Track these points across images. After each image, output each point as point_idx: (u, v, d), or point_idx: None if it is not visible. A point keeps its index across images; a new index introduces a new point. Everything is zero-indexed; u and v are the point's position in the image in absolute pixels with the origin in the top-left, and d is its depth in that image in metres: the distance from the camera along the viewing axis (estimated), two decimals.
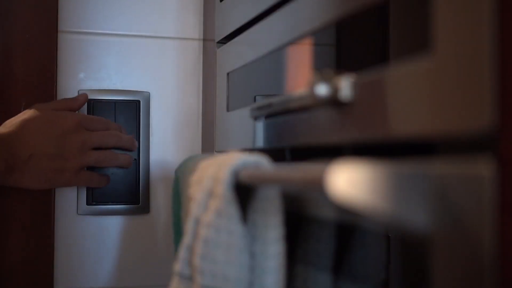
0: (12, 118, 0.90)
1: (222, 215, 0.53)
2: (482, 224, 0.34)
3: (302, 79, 0.66)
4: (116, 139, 0.94)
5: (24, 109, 0.96)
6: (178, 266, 0.57)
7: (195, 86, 1.07)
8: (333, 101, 0.48)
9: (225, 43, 0.91)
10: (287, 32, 0.65)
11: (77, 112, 0.97)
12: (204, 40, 1.06)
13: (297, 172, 0.42)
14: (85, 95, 0.97)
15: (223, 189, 0.53)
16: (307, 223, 0.61)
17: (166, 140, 1.06)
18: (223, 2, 0.91)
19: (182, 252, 0.57)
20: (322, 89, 0.47)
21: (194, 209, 0.57)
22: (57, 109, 0.92)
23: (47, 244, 0.98)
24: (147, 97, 1.04)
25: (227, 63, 0.89)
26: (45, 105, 0.92)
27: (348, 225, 0.60)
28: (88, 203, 1.01)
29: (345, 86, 0.48)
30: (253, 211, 0.54)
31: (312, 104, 0.49)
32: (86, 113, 1.01)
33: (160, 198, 1.05)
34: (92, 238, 1.02)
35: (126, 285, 1.04)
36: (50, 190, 0.98)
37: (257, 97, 0.78)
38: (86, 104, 1.01)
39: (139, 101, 1.04)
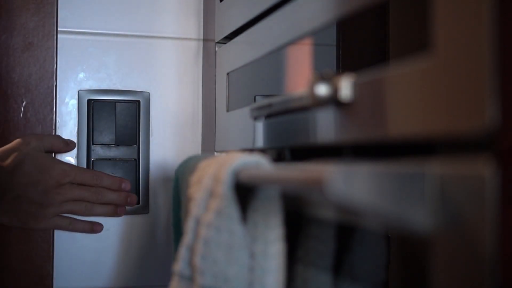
0: (5, 148, 0.91)
1: (222, 215, 0.53)
2: (482, 224, 0.34)
3: (302, 79, 0.66)
4: (98, 197, 0.96)
5: (24, 109, 0.96)
6: (178, 266, 0.57)
7: (195, 86, 1.07)
8: (333, 101, 0.48)
9: (225, 43, 0.91)
10: (287, 32, 0.65)
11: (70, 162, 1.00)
12: (204, 40, 1.06)
13: (297, 172, 0.42)
14: (75, 144, 1.00)
15: (224, 189, 0.53)
16: (307, 223, 0.61)
17: (166, 140, 1.06)
18: (223, 2, 0.91)
19: (182, 252, 0.57)
20: (322, 89, 0.47)
21: (194, 209, 0.57)
22: (51, 149, 0.96)
23: (47, 244, 0.98)
24: (147, 97, 1.04)
25: (227, 63, 0.89)
26: (39, 142, 0.94)
27: (348, 225, 0.60)
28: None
29: (345, 86, 0.48)
30: (253, 211, 0.54)
31: (312, 104, 0.49)
32: (86, 113, 1.01)
33: (160, 198, 1.05)
34: (92, 238, 1.02)
35: (126, 285, 1.04)
36: None
37: (257, 97, 0.78)
38: (86, 104, 1.01)
39: (139, 101, 1.04)
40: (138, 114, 1.03)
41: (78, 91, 1.02)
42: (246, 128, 0.76)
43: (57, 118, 1.00)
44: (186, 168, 0.73)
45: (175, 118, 1.06)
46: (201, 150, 1.06)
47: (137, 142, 1.03)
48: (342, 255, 0.60)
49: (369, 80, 0.46)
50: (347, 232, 0.60)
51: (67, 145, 0.98)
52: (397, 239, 0.62)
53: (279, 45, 0.68)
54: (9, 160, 0.90)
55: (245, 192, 0.55)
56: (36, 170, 0.91)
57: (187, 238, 0.57)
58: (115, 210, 0.98)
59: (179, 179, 0.75)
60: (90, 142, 1.01)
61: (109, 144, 1.01)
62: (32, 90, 0.97)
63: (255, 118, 0.70)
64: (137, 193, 1.03)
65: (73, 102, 1.02)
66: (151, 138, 1.05)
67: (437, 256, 0.38)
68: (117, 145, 1.02)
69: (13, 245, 0.96)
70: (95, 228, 1.00)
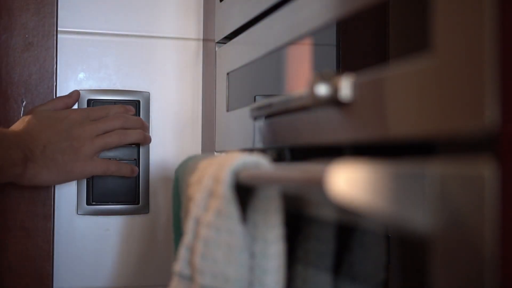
0: (18, 122, 0.92)
1: (222, 215, 0.53)
2: (482, 224, 0.34)
3: (302, 79, 0.66)
4: (121, 121, 0.96)
5: (24, 109, 0.96)
6: (178, 266, 0.57)
7: (195, 86, 1.07)
8: (333, 101, 0.48)
9: (225, 43, 0.91)
10: (287, 32, 0.65)
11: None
12: (204, 40, 1.06)
13: (297, 172, 0.42)
14: (77, 91, 1.00)
15: (224, 189, 0.53)
16: (307, 223, 0.61)
17: (166, 140, 1.06)
18: (223, 2, 0.91)
19: (182, 252, 0.57)
20: (322, 89, 0.47)
21: (194, 209, 0.57)
22: (56, 109, 0.95)
23: (47, 244, 0.98)
24: (147, 97, 1.04)
25: (227, 63, 0.89)
26: (44, 106, 0.94)
27: (348, 225, 0.60)
28: (88, 203, 1.01)
29: (345, 86, 0.48)
30: (253, 211, 0.54)
31: (312, 104, 0.49)
32: None
33: (159, 198, 1.05)
34: (92, 238, 1.02)
35: (126, 285, 1.04)
36: (50, 189, 0.98)
37: (257, 97, 0.78)
38: (86, 104, 1.01)
39: (139, 101, 1.04)
40: (138, 114, 1.03)
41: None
42: (246, 128, 0.76)
43: None
44: (186, 168, 0.73)
45: (175, 118, 1.06)
46: (201, 150, 1.06)
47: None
48: (342, 255, 0.60)
49: (369, 80, 0.46)
50: (347, 232, 0.60)
51: (70, 97, 0.98)
52: (397, 239, 0.62)
53: (279, 45, 0.68)
54: (22, 125, 0.90)
55: (245, 192, 0.55)
56: (50, 120, 0.91)
57: (187, 238, 0.57)
58: (145, 135, 0.99)
59: (179, 179, 0.75)
60: None
61: None
62: (32, 90, 0.97)
63: (255, 118, 0.70)
64: (137, 193, 1.03)
65: None
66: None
67: (437, 256, 0.38)
68: None
69: (13, 245, 0.96)
70: (134, 169, 1.00)
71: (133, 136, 0.97)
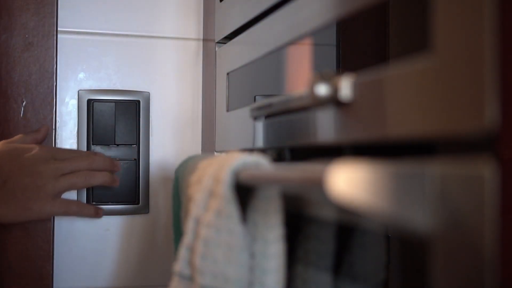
0: None
1: (222, 215, 0.53)
2: (482, 224, 0.34)
3: (302, 79, 0.66)
4: (88, 162, 0.93)
5: (24, 109, 0.96)
6: (178, 266, 0.57)
7: (195, 86, 1.07)
8: (333, 101, 0.48)
9: (225, 43, 0.91)
10: (287, 32, 0.65)
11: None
12: (204, 40, 1.06)
13: (297, 172, 0.42)
14: (47, 127, 0.97)
15: (224, 189, 0.53)
16: (307, 223, 0.61)
17: (166, 140, 1.06)
18: (223, 2, 0.91)
19: (182, 252, 0.57)
20: (322, 89, 0.47)
21: (194, 209, 0.57)
22: (24, 143, 0.93)
23: (47, 244, 0.98)
24: (147, 97, 1.05)
25: (227, 63, 0.89)
26: (12, 140, 0.92)
27: (348, 225, 0.60)
28: (88, 203, 1.01)
29: (345, 86, 0.48)
30: (253, 211, 0.54)
31: (312, 104, 0.49)
32: (86, 114, 1.01)
33: (159, 198, 1.05)
34: (92, 238, 1.02)
35: (126, 285, 1.04)
36: None
37: (257, 97, 0.78)
38: (86, 104, 1.01)
39: (139, 101, 1.04)
40: (138, 114, 1.03)
41: (78, 91, 1.02)
42: (246, 128, 0.76)
43: (57, 118, 1.00)
44: (186, 168, 0.73)
45: (175, 118, 1.06)
46: (201, 150, 1.06)
47: (137, 142, 1.03)
48: (342, 255, 0.60)
49: (369, 80, 0.46)
50: (347, 232, 0.60)
51: (39, 133, 0.95)
52: (397, 239, 0.62)
53: (279, 45, 0.68)
54: None
55: (245, 192, 0.55)
56: (16, 155, 0.88)
57: (187, 238, 0.57)
58: (113, 178, 0.96)
59: (179, 179, 0.75)
60: (90, 142, 1.01)
61: (109, 144, 1.01)
62: (32, 90, 0.97)
63: (255, 118, 0.70)
64: (137, 193, 1.03)
65: (73, 102, 1.02)
66: (151, 138, 1.05)
67: (437, 256, 0.38)
68: (117, 145, 1.02)
69: (13, 245, 0.96)
70: (99, 212, 0.98)
71: (99, 178, 0.94)
